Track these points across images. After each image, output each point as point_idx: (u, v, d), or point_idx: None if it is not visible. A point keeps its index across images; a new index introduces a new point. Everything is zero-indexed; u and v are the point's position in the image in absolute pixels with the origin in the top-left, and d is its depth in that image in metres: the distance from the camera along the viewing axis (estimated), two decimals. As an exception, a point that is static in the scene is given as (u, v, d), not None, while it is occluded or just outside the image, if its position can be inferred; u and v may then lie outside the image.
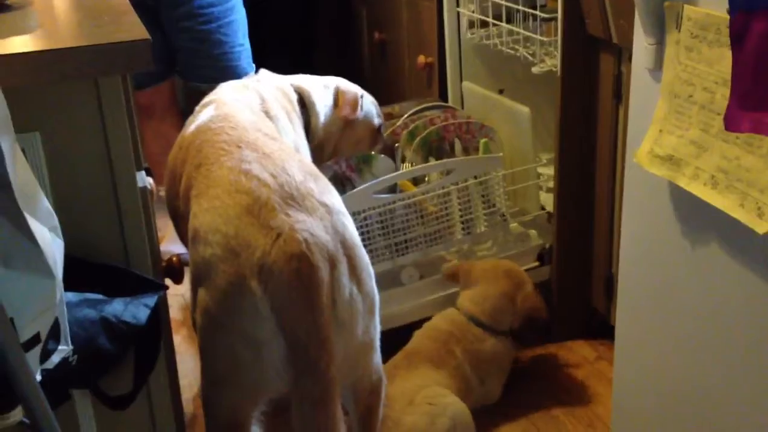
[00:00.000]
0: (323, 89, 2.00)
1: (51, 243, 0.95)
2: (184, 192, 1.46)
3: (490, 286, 2.11)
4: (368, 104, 2.11)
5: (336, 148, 2.06)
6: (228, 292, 1.27)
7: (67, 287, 1.02)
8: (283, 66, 2.06)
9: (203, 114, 1.62)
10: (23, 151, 1.02)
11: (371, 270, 1.40)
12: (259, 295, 1.25)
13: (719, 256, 1.39)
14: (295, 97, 1.89)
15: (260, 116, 1.66)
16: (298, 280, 1.24)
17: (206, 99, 1.72)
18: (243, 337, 1.29)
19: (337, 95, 2.02)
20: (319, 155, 2.00)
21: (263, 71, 1.96)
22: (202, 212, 1.34)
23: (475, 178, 2.25)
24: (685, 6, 1.33)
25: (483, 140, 2.33)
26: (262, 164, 1.36)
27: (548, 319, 2.14)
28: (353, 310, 1.35)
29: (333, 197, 1.38)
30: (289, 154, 1.46)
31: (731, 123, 1.21)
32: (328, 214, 1.33)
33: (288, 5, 3.57)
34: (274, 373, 1.30)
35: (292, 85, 1.91)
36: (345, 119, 2.01)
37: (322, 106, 1.96)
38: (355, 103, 2.04)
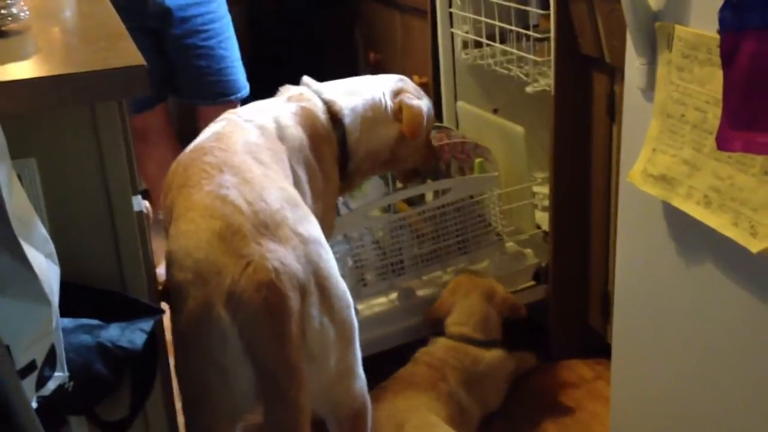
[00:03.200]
0: (369, 102, 1.86)
1: (47, 269, 0.95)
2: (170, 210, 1.47)
3: (467, 302, 2.11)
4: (428, 109, 1.97)
5: (392, 157, 1.93)
6: (197, 317, 1.28)
7: (63, 313, 1.02)
8: (278, 85, 2.05)
9: (206, 131, 1.61)
10: (19, 177, 1.02)
11: (349, 299, 1.39)
12: (227, 322, 1.26)
13: (714, 274, 1.39)
14: (324, 115, 1.78)
15: (269, 139, 1.60)
16: (266, 309, 1.24)
17: (223, 115, 1.69)
18: (211, 363, 1.29)
19: (400, 108, 1.89)
20: (368, 167, 1.90)
21: (306, 79, 1.88)
22: (178, 235, 1.35)
23: (471, 197, 2.26)
24: (676, 26, 1.34)
25: (478, 160, 2.34)
26: (240, 190, 1.36)
27: (527, 314, 2.19)
28: (324, 340, 1.34)
29: (310, 226, 1.38)
30: (272, 180, 1.44)
31: (723, 142, 1.22)
32: (302, 243, 1.32)
33: (283, 27, 3.59)
34: (243, 400, 1.31)
35: (326, 102, 1.80)
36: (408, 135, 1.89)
37: (359, 122, 1.82)
38: (419, 125, 1.90)
